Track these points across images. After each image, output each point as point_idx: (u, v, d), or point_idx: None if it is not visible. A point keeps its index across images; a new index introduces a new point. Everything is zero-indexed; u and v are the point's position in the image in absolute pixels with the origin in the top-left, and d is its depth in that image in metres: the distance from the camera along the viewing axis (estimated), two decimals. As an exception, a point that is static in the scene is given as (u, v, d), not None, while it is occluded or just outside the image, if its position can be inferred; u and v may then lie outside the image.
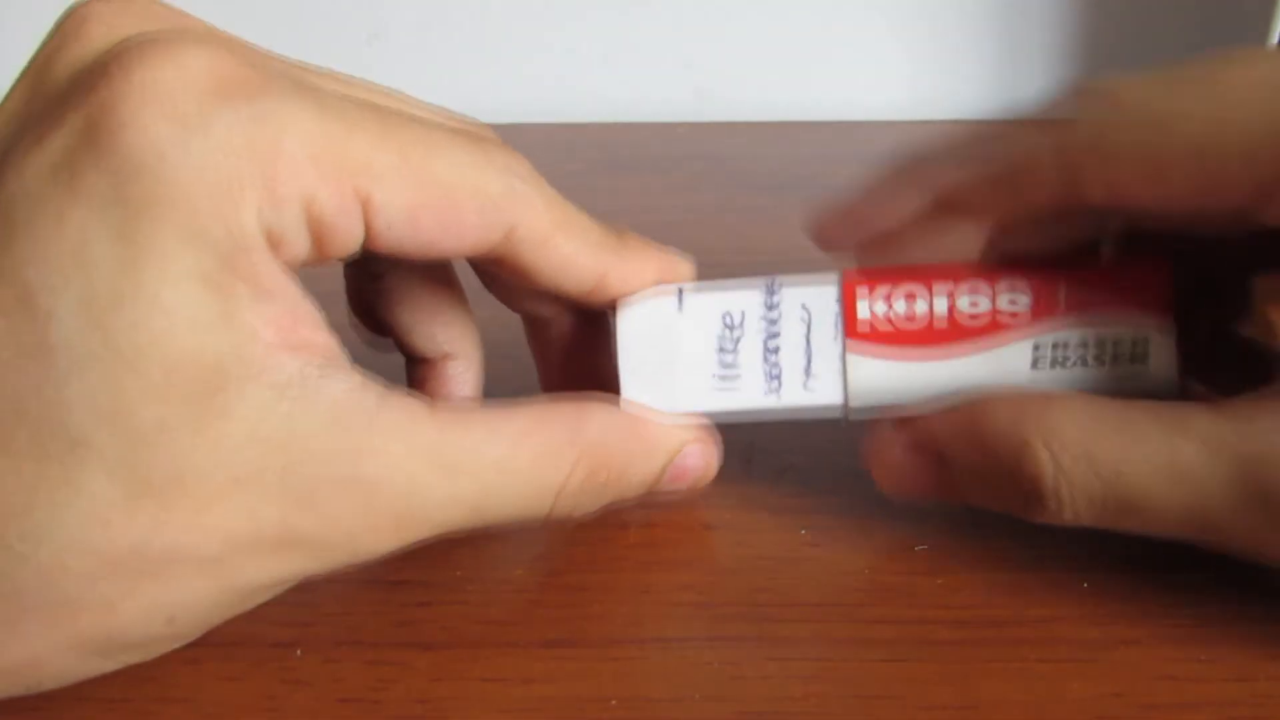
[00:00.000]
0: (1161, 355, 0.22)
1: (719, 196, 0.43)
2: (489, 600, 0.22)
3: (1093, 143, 0.20)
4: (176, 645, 0.20)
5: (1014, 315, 0.22)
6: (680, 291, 0.23)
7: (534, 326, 0.26)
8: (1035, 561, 0.23)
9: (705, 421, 0.24)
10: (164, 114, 0.17)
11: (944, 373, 0.22)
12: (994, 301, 0.22)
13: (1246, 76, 0.20)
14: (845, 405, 0.23)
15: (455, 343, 0.25)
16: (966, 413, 0.21)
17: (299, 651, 0.21)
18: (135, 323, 0.17)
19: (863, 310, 0.22)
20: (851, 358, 0.22)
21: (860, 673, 0.20)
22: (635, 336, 0.23)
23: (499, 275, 0.23)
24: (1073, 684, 0.20)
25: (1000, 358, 0.22)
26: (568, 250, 0.22)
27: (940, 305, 0.22)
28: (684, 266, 0.24)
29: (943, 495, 0.23)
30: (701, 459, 0.24)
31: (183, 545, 0.18)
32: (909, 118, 0.53)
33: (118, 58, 0.18)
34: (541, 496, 0.21)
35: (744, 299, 0.23)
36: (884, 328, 0.22)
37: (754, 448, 0.27)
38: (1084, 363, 0.22)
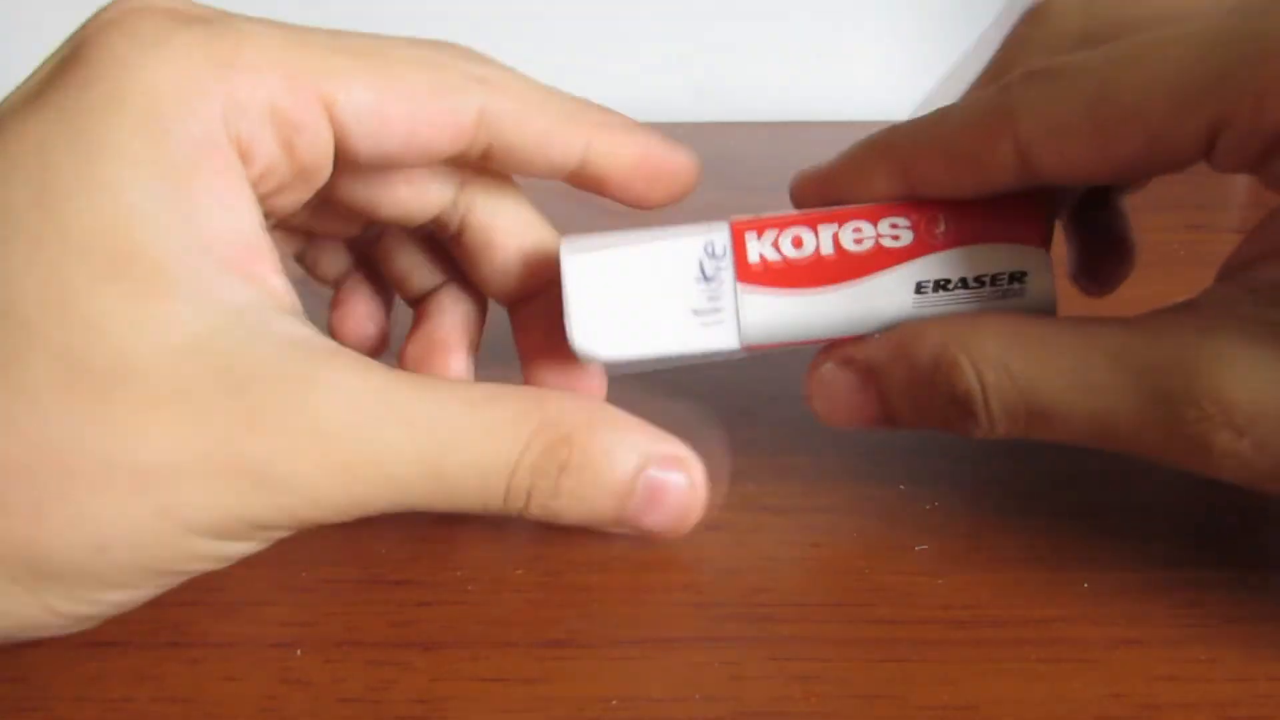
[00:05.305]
0: (1038, 283, 0.23)
1: (719, 196, 0.43)
2: (489, 600, 0.22)
3: (1042, 123, 0.21)
4: (112, 597, 0.19)
5: (896, 249, 0.23)
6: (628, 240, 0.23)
7: (517, 318, 0.26)
8: (1035, 561, 0.23)
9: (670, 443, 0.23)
10: (128, 34, 0.19)
11: (833, 304, 0.23)
12: (876, 236, 0.23)
13: (1179, 24, 0.20)
14: (739, 341, 0.23)
15: (454, 273, 0.26)
16: (897, 335, 0.22)
17: (299, 651, 0.21)
18: (86, 208, 0.18)
19: (752, 253, 0.23)
20: (743, 291, 0.23)
21: (860, 673, 0.20)
22: (583, 274, 0.23)
23: (493, 189, 0.24)
24: (1073, 684, 0.20)
25: (885, 287, 0.23)
26: (545, 123, 0.22)
27: (826, 242, 0.23)
28: (678, 159, 0.24)
29: (877, 419, 0.23)
30: (683, 483, 0.22)
31: (118, 450, 0.18)
32: (909, 118, 0.53)
33: (99, 10, 0.19)
34: (498, 468, 0.20)
35: (690, 244, 0.23)
36: (774, 265, 0.23)
37: (755, 446, 0.27)
38: (965, 287, 0.23)
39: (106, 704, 0.20)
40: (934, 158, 0.22)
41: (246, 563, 0.23)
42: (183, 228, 0.18)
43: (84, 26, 0.19)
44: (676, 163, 0.24)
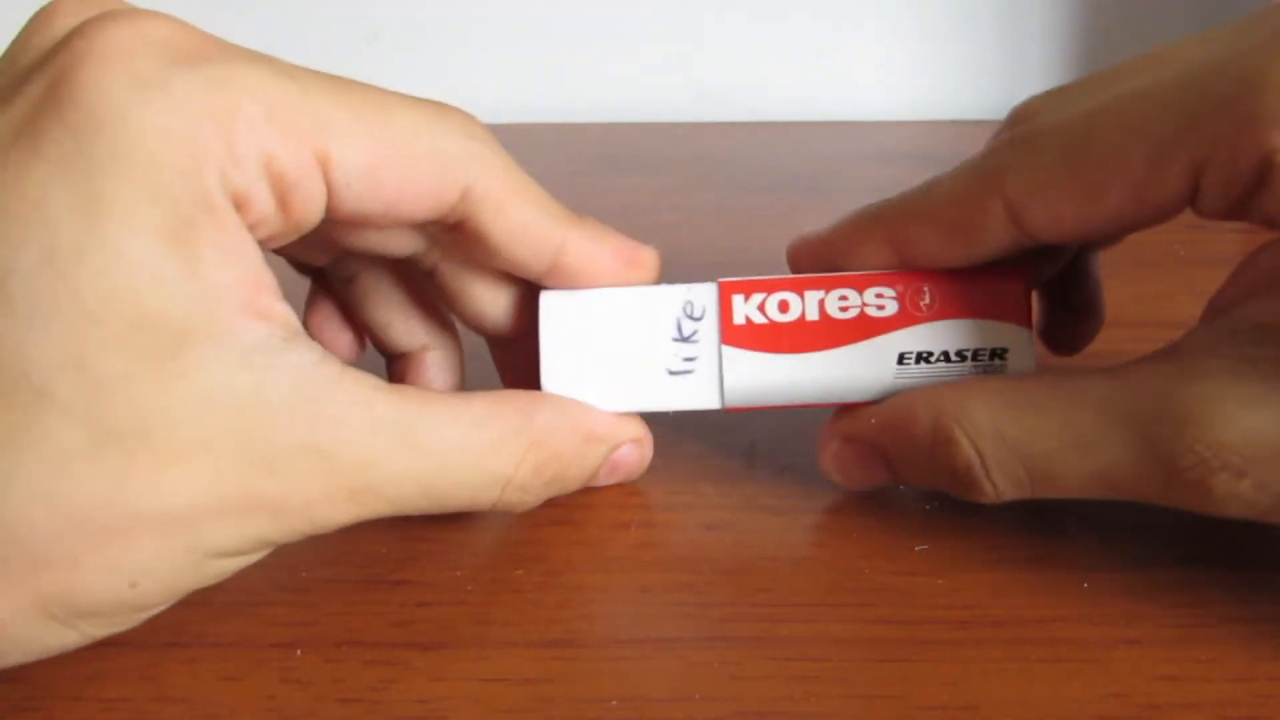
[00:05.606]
0: (1019, 356, 0.23)
1: (719, 196, 0.43)
2: (489, 600, 0.22)
3: (1028, 180, 0.21)
4: (140, 617, 0.20)
5: (881, 319, 0.23)
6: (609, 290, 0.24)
7: (497, 349, 0.27)
8: (1035, 561, 0.23)
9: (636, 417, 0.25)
10: (123, 75, 0.18)
11: (816, 369, 0.23)
12: (862, 305, 0.23)
13: (1161, 63, 0.21)
14: (721, 402, 0.24)
15: (432, 334, 0.26)
16: (889, 414, 0.23)
17: (299, 651, 0.21)
18: (98, 274, 0.18)
19: (738, 314, 0.23)
20: (727, 352, 0.23)
21: (860, 673, 0.20)
22: (562, 325, 0.24)
23: (460, 253, 0.24)
24: (1073, 684, 0.20)
25: (868, 355, 0.23)
26: (525, 216, 0.22)
27: (811, 307, 0.23)
28: (646, 254, 0.24)
29: (890, 482, 0.24)
30: (636, 455, 0.25)
31: (147, 503, 0.18)
32: (909, 118, 0.53)
33: (79, 29, 0.19)
34: (490, 484, 0.22)
35: (709, 293, 0.24)
36: (759, 327, 0.23)
37: (754, 448, 0.27)
38: (946, 360, 0.23)
39: (106, 704, 0.20)
40: (925, 224, 0.23)
41: (246, 563, 0.23)
42: (191, 283, 0.18)
43: (71, 47, 0.18)
44: (645, 258, 0.24)
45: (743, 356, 0.23)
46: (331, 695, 0.20)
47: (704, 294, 0.24)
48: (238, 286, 0.19)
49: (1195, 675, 0.20)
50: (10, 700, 0.20)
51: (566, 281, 0.23)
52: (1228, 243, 0.35)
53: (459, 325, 0.26)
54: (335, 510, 0.20)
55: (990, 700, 0.20)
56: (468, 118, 0.22)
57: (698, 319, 0.24)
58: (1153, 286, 0.31)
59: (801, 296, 0.23)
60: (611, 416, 0.24)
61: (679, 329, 0.24)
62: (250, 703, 0.20)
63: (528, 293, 0.24)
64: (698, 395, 0.24)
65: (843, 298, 0.23)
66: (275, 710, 0.20)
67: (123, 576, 0.18)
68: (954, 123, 0.52)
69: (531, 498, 0.23)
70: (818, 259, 0.24)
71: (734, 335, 0.23)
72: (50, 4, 0.20)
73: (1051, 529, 0.24)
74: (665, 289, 0.24)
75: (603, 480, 0.25)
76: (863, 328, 0.23)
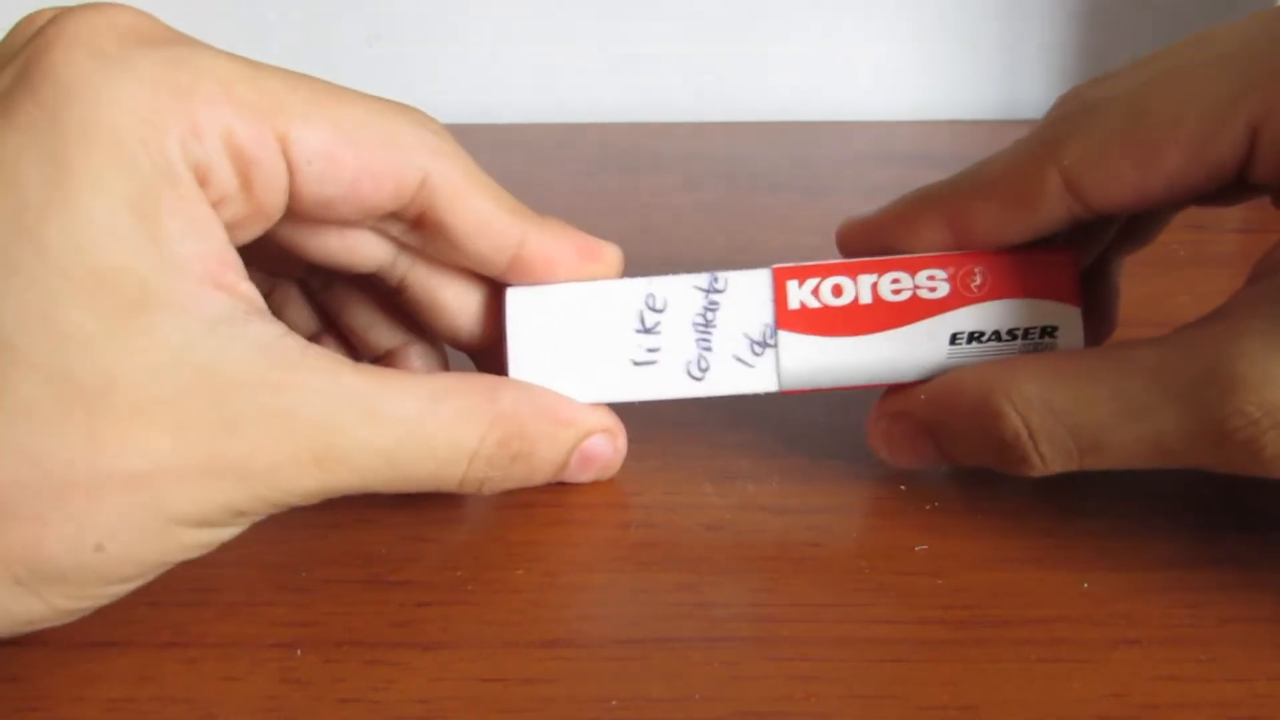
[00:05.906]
0: (1069, 334, 0.23)
1: (719, 196, 0.43)
2: (489, 600, 0.22)
3: (1084, 147, 0.21)
4: (110, 591, 0.20)
5: (933, 300, 0.24)
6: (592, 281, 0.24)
7: (479, 360, 0.27)
8: (1035, 561, 0.23)
9: (608, 408, 0.25)
10: (90, 53, 0.19)
11: (870, 350, 0.24)
12: (914, 287, 0.24)
13: (1209, 41, 0.21)
14: (778, 385, 0.24)
15: (413, 332, 0.26)
16: (940, 387, 0.23)
17: (299, 651, 0.21)
18: (64, 232, 0.18)
19: (793, 299, 0.24)
20: (784, 337, 0.24)
21: (860, 673, 0.20)
22: (527, 319, 0.24)
23: (425, 259, 0.24)
24: (1073, 684, 0.20)
25: (921, 336, 0.24)
26: (484, 207, 0.23)
27: (864, 291, 0.24)
28: (607, 248, 0.24)
29: (937, 461, 0.24)
30: (609, 448, 0.25)
31: (110, 461, 0.18)
32: (909, 118, 0.53)
33: (52, 19, 0.20)
34: (455, 458, 0.22)
35: (669, 286, 0.24)
36: (813, 310, 0.24)
37: (755, 446, 0.27)
38: (998, 339, 0.23)
39: (106, 704, 0.20)
40: (982, 199, 0.23)
41: (246, 563, 0.23)
42: (155, 251, 0.19)
43: (44, 33, 0.19)
44: (606, 252, 0.24)
45: (798, 340, 0.24)
46: (331, 695, 0.20)
47: (758, 280, 0.24)
48: (202, 259, 0.19)
49: (1195, 675, 0.20)
50: (10, 700, 0.20)
51: (529, 277, 0.24)
52: (1228, 242, 0.35)
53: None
54: (301, 477, 0.20)
55: (990, 700, 0.20)
56: (423, 113, 0.22)
57: (660, 310, 0.24)
58: (1153, 286, 0.31)
59: (854, 280, 0.24)
60: (579, 404, 0.24)
61: (641, 321, 0.24)
62: (250, 703, 0.20)
63: (496, 301, 0.24)
64: (757, 379, 0.24)
65: (895, 280, 0.24)
66: (275, 710, 0.20)
67: (87, 537, 0.18)
68: (954, 123, 0.52)
69: (500, 475, 0.23)
70: (869, 241, 0.25)
71: (789, 319, 0.24)
72: (33, 13, 0.21)
73: (1051, 529, 0.24)
74: (628, 282, 0.24)
75: (576, 474, 0.24)
76: (915, 309, 0.24)
